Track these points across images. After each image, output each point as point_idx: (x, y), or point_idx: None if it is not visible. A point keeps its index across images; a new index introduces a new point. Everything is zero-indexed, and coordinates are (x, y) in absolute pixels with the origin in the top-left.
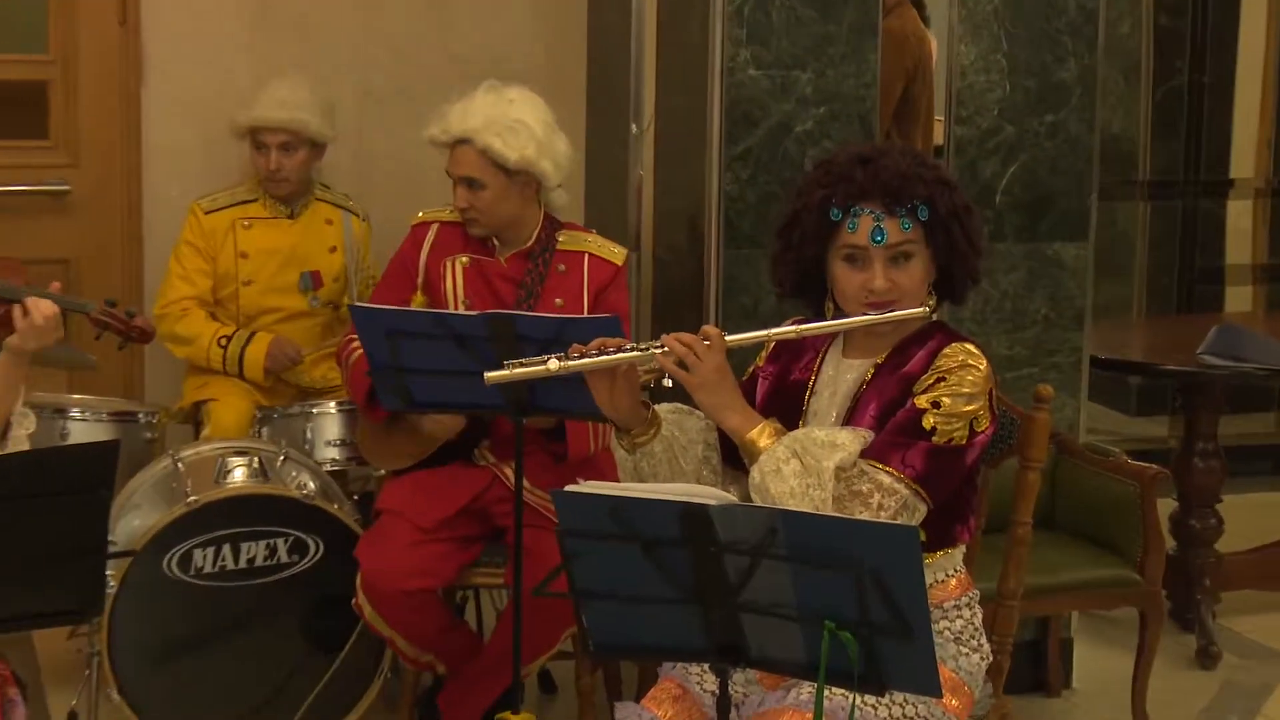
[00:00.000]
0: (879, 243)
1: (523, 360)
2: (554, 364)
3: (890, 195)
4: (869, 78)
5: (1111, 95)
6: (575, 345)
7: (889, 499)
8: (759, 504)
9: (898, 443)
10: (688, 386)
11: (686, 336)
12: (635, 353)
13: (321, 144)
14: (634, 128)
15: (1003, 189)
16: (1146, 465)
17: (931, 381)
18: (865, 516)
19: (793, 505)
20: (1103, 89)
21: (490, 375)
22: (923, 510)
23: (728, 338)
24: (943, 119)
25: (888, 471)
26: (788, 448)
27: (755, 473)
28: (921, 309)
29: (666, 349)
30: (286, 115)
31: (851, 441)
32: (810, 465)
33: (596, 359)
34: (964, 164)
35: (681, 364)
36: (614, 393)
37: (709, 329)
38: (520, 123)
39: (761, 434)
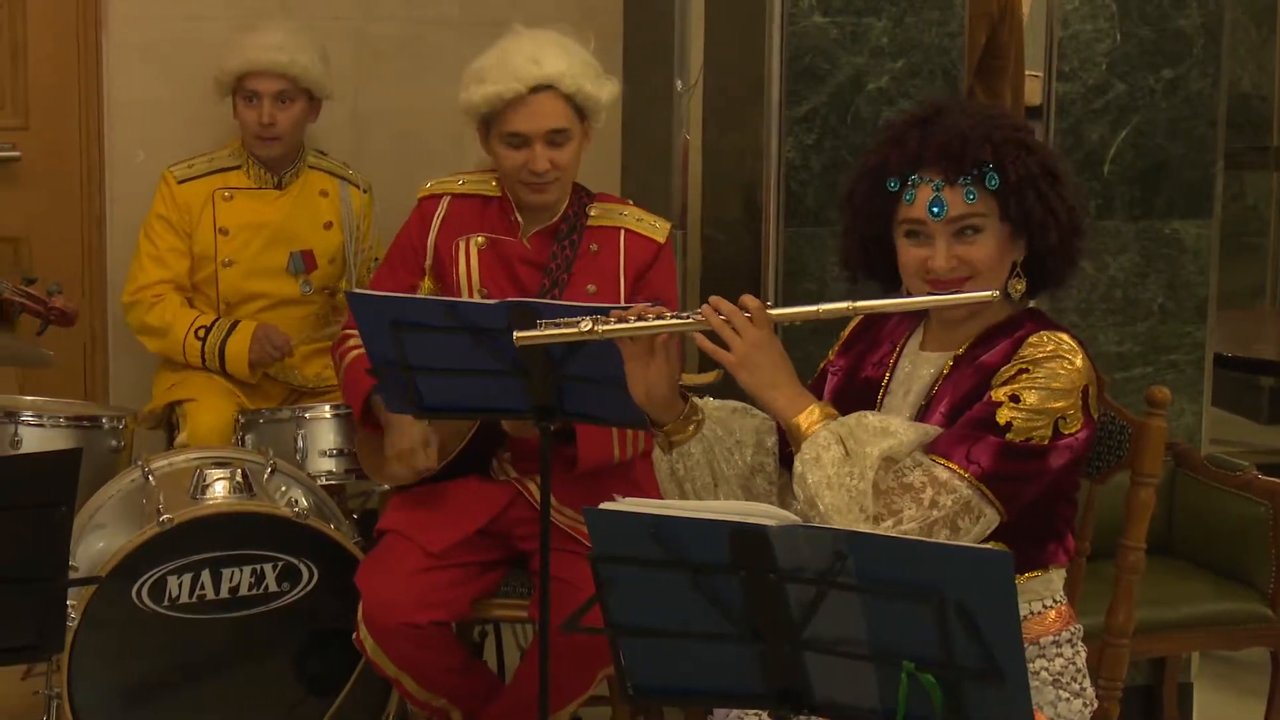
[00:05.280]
0: (938, 216)
1: (557, 320)
2: (587, 324)
3: (950, 160)
4: (954, 25)
5: (1241, 46)
6: (615, 310)
7: (945, 496)
8: (801, 498)
9: (965, 436)
10: (727, 366)
11: (726, 305)
12: (677, 321)
13: (319, 99)
14: (679, 84)
15: (1112, 157)
16: None
17: (1013, 373)
18: (913, 513)
19: (828, 496)
20: (1231, 38)
21: (520, 335)
22: (990, 516)
23: (771, 312)
24: (1040, 74)
25: (947, 466)
26: (833, 433)
27: (797, 462)
28: (989, 292)
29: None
30: (285, 58)
31: (907, 431)
32: (853, 451)
33: (635, 325)
34: (1067, 127)
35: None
36: (650, 373)
37: (748, 299)
38: (593, 62)
39: (808, 417)
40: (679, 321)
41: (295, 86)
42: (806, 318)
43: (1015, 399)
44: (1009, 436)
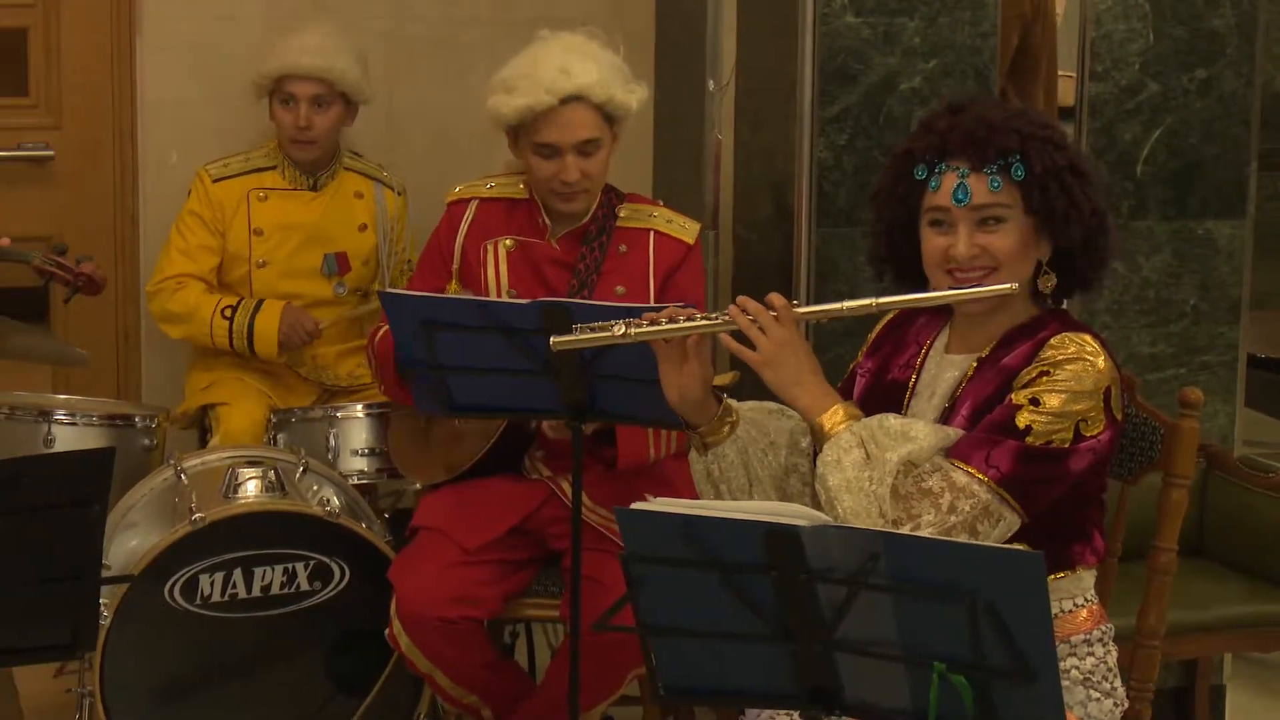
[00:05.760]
0: (961, 203)
1: (591, 325)
2: (620, 328)
3: (975, 148)
4: (987, 26)
5: (1276, 45)
6: (647, 314)
7: (963, 501)
8: (822, 498)
9: (984, 440)
10: (752, 365)
11: (752, 305)
12: (706, 322)
13: (355, 103)
14: (711, 84)
15: (1145, 157)
16: None
17: (1034, 376)
18: (931, 518)
19: (847, 500)
20: (1265, 38)
21: (556, 340)
22: (1010, 519)
23: (798, 311)
24: (1073, 75)
25: (966, 470)
26: (854, 435)
27: (819, 463)
28: (1008, 285)
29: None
30: (324, 62)
31: (927, 435)
32: (874, 455)
33: (668, 327)
34: (1099, 127)
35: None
36: (684, 376)
37: (775, 298)
38: (622, 67)
39: (832, 418)
40: (708, 322)
41: (332, 90)
42: (832, 315)
43: (1035, 402)
44: (1029, 440)
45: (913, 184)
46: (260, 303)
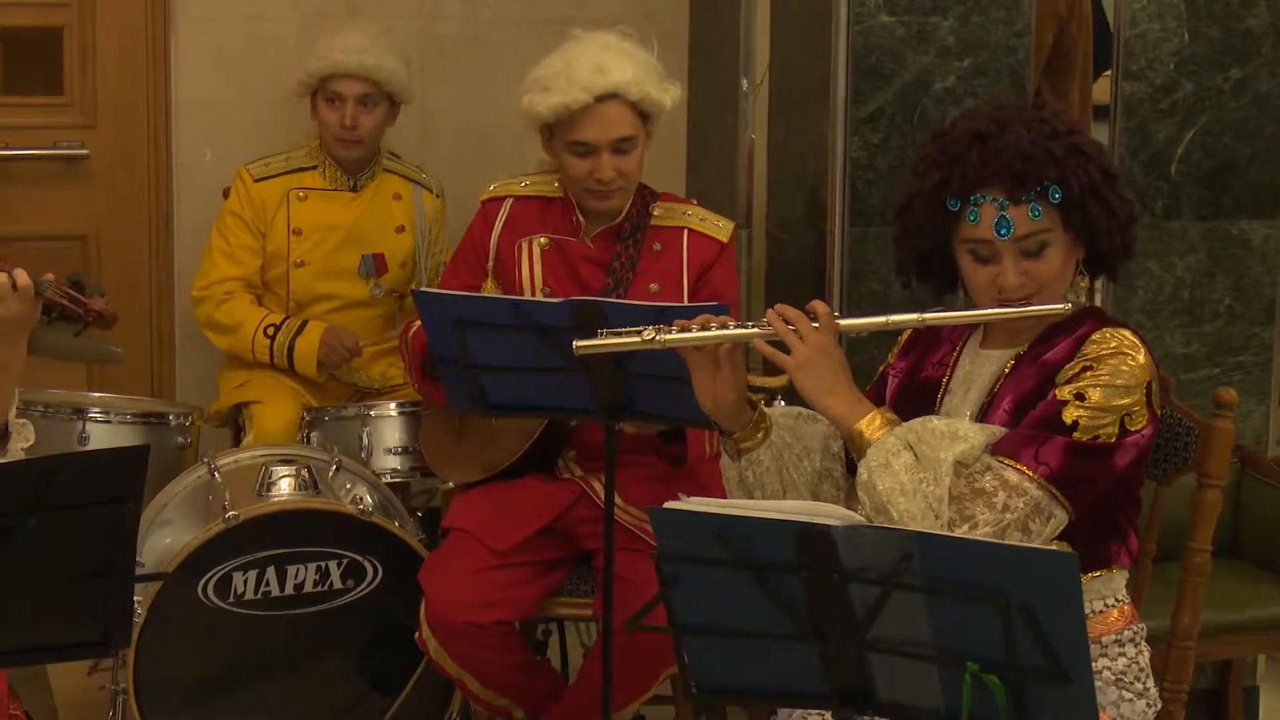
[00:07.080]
0: (1005, 236)
1: (617, 330)
2: (649, 333)
3: (1013, 180)
4: (1022, 25)
5: None
6: (677, 320)
7: (1016, 499)
8: (868, 504)
9: (1031, 437)
10: (786, 369)
11: (791, 312)
12: (740, 330)
13: (398, 103)
14: (744, 83)
15: (1179, 157)
16: None
17: (1077, 371)
18: (986, 517)
19: (902, 503)
20: None
21: (580, 344)
22: (1060, 517)
23: (841, 322)
24: (1108, 74)
25: (1017, 468)
26: (900, 438)
27: (862, 469)
28: (1063, 306)
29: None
30: (372, 62)
31: (976, 434)
32: (925, 457)
33: (698, 334)
34: (1133, 127)
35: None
36: (717, 383)
37: (817, 305)
38: (657, 65)
39: (870, 424)
40: (742, 330)
41: (379, 90)
42: (875, 328)
43: (1080, 397)
44: (1076, 435)
45: (947, 215)
46: (304, 324)
